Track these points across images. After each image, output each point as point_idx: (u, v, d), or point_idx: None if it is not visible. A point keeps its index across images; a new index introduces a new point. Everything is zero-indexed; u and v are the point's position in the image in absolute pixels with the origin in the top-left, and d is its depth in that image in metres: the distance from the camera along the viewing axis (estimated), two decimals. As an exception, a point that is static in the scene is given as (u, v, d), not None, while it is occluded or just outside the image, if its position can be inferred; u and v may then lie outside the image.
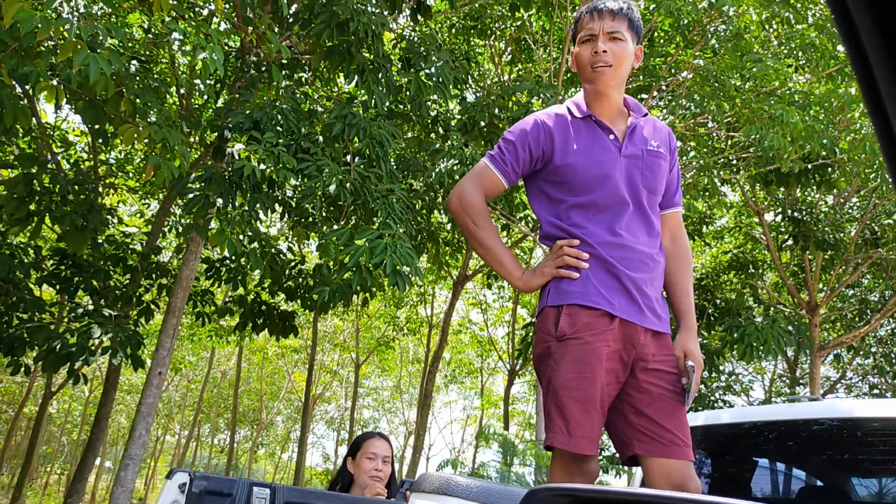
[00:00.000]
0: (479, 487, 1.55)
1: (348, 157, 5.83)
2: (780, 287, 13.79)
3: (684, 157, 10.50)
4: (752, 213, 12.76)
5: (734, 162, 10.27)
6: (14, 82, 5.19)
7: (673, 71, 9.09)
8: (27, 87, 5.37)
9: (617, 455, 2.48)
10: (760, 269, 13.81)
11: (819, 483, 4.81)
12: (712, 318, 10.77)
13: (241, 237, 5.98)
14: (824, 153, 8.35)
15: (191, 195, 5.38)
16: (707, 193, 10.13)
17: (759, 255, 13.54)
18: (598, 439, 2.26)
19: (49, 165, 6.73)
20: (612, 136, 2.46)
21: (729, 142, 9.79)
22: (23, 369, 6.89)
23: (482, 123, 6.83)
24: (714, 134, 9.71)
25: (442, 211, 7.74)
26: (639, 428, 2.26)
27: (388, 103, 6.32)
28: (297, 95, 6.73)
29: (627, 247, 2.35)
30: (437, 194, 7.37)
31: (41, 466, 32.94)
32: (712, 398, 15.37)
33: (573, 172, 2.41)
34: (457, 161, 6.23)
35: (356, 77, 6.04)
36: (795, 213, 11.24)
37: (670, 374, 2.31)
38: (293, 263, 8.62)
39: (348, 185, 5.12)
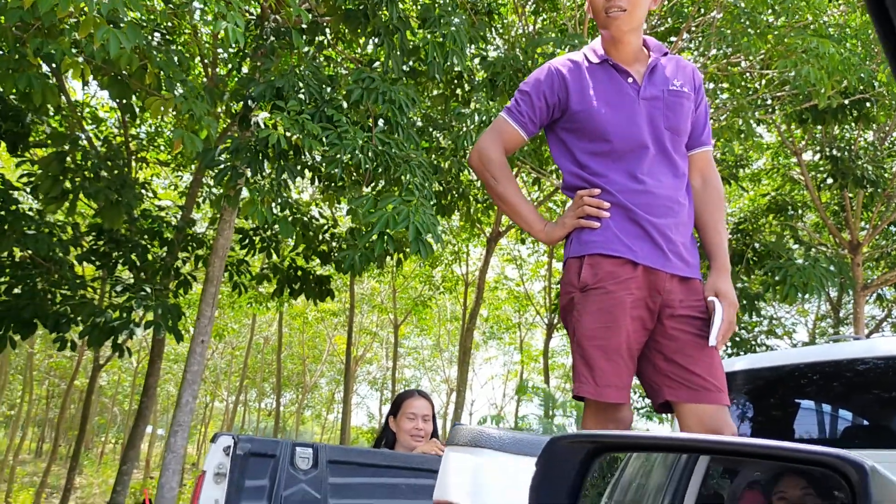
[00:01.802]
0: (511, 438, 1.56)
1: (371, 122, 5.81)
2: (821, 227, 13.51)
3: (717, 99, 10.25)
4: (790, 154, 12.45)
5: (769, 101, 9.99)
6: (41, 61, 5.23)
7: (702, 10, 8.82)
8: (53, 65, 5.41)
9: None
10: (800, 211, 13.52)
11: (864, 422, 4.76)
12: (752, 262, 10.58)
13: (272, 206, 6.02)
14: (862, 87, 8.07)
15: (219, 167, 5.42)
16: (742, 135, 9.90)
17: (798, 196, 13.25)
18: (626, 387, 2.25)
19: (80, 143, 6.82)
20: (630, 80, 2.40)
21: (763, 80, 9.52)
22: (69, 345, 7.07)
23: (506, 81, 6.73)
24: (747, 73, 9.44)
25: (470, 170, 7.70)
26: (668, 374, 2.24)
27: (407, 65, 6.25)
28: (319, 59, 6.69)
29: (650, 192, 2.31)
30: (465, 152, 7.33)
31: (96, 436, 34.12)
32: (754, 342, 15.23)
33: (590, 119, 2.37)
34: (482, 120, 6.16)
35: (373, 39, 5.99)
36: (834, 151, 10.93)
37: (699, 320, 2.27)
38: (325, 227, 8.67)
39: (370, 152, 5.11)
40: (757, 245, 10.80)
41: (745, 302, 9.04)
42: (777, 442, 0.74)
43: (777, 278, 8.54)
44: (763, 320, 15.35)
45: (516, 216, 2.57)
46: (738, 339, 11.06)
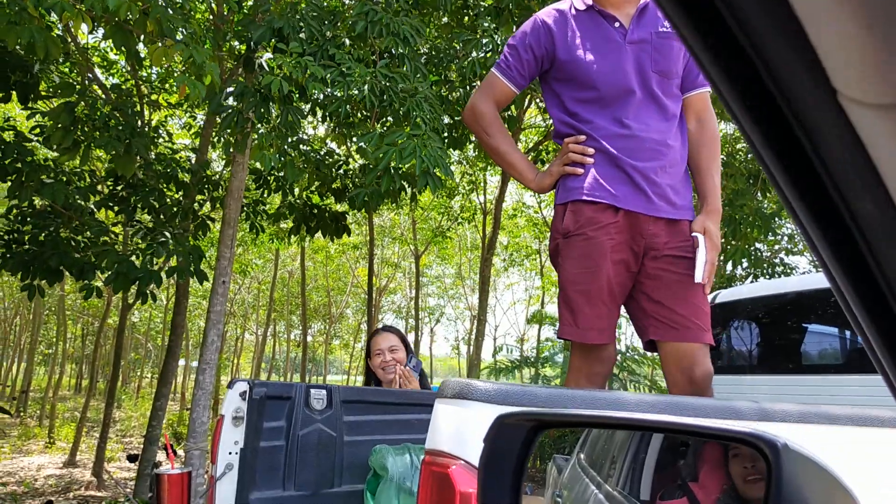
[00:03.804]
0: (497, 390, 1.64)
1: (376, 56, 5.74)
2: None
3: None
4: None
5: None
6: (43, 12, 5.21)
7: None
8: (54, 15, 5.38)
9: None
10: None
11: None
12: (767, 181, 10.45)
13: (284, 147, 6.03)
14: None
15: (226, 113, 5.43)
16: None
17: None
18: (607, 329, 2.34)
19: (89, 93, 6.83)
20: (616, 24, 2.40)
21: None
22: (94, 293, 7.26)
23: (511, 6, 6.59)
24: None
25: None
26: (652, 314, 2.34)
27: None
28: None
29: (634, 137, 2.35)
30: (473, 82, 7.24)
31: (132, 371, 35.25)
32: (774, 261, 15.17)
33: (577, 68, 2.41)
34: (489, 49, 6.08)
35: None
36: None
37: (685, 259, 2.33)
38: (339, 164, 8.68)
39: (375, 88, 5.08)
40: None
41: (759, 222, 8.99)
42: (701, 420, 0.80)
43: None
44: (782, 238, 15.23)
45: (509, 167, 2.63)
46: (755, 258, 11.00)
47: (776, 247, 15.70)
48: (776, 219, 10.58)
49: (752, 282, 12.65)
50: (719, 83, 0.45)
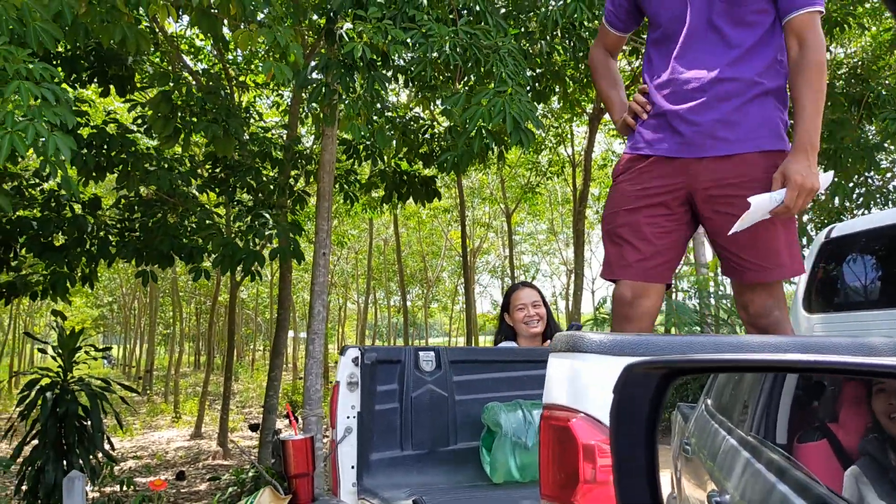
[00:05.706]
0: (610, 341, 1.62)
1: (455, 15, 5.67)
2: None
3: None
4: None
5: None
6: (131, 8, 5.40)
7: None
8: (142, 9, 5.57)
9: None
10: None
11: None
12: (873, 106, 9.68)
13: (370, 116, 6.09)
14: None
15: (312, 86, 5.51)
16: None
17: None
18: (629, 266, 2.33)
19: (182, 81, 7.07)
20: None
21: None
22: (203, 275, 7.61)
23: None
24: None
25: (561, 50, 7.43)
26: (719, 253, 2.40)
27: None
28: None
29: (676, 80, 2.33)
30: (552, 35, 7.06)
31: (245, 346, 36.87)
32: (886, 190, 14.27)
33: (649, 6, 2.42)
34: (569, -3, 5.89)
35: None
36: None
37: (740, 197, 2.19)
38: (424, 129, 8.69)
39: (457, 47, 5.02)
40: (883, 91, 9.88)
41: (863, 154, 8.46)
42: (852, 358, 0.75)
43: (894, 130, 7.83)
44: (887, 172, 14.27)
45: (608, 109, 2.69)
46: (865, 189, 10.32)
47: (888, 174, 14.74)
48: (880, 150, 9.88)
49: (863, 213, 11.95)
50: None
